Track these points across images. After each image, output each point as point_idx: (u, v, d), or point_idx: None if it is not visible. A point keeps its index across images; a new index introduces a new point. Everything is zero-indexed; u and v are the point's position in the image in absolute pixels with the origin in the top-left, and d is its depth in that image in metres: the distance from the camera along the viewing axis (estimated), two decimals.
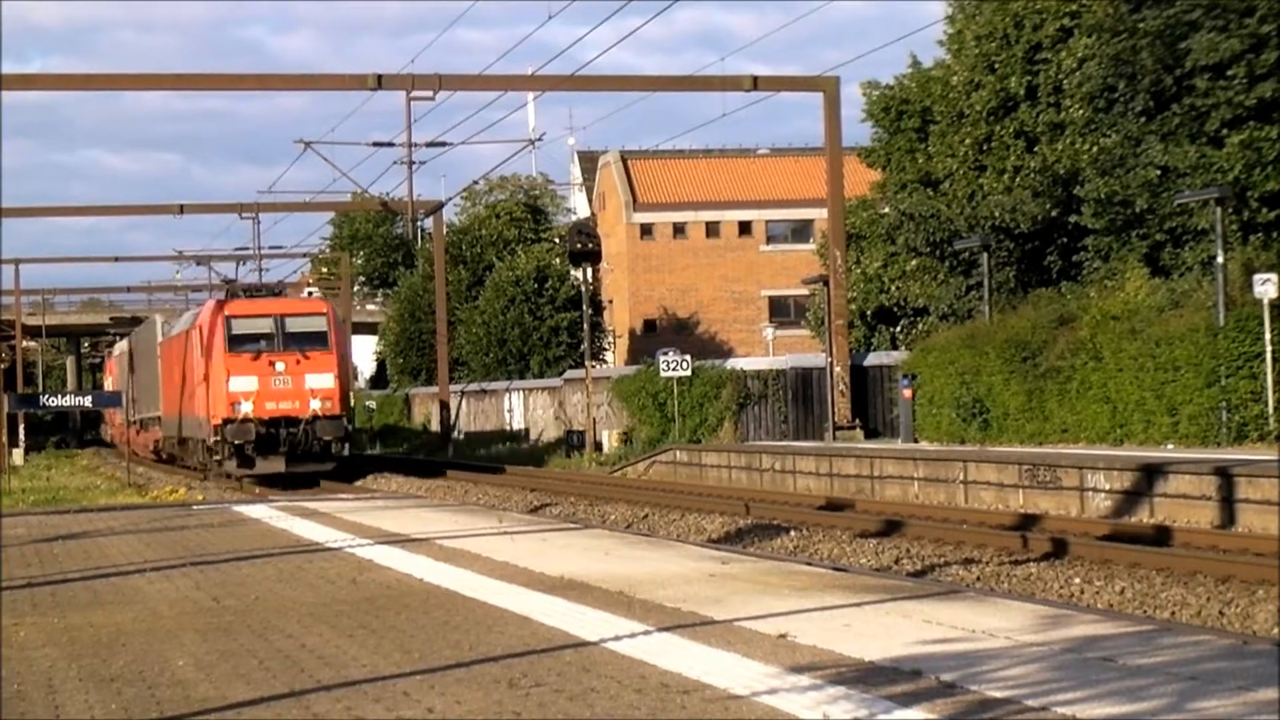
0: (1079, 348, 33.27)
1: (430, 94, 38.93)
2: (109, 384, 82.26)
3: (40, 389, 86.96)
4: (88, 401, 56.71)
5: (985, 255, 39.46)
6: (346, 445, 41.31)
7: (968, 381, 36.32)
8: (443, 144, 49.15)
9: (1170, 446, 29.45)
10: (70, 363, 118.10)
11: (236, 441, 39.14)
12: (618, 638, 9.38)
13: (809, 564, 15.24)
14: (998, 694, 7.28)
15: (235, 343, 39.77)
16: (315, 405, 39.33)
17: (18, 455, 57.64)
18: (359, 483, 41.76)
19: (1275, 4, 33.78)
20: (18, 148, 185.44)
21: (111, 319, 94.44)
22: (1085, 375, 32.93)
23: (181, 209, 58.06)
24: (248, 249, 60.54)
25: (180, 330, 47.74)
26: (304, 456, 39.63)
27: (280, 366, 39.57)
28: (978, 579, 18.92)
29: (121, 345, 71.83)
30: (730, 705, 7.39)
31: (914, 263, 45.12)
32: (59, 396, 53.53)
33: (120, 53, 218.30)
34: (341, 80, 41.38)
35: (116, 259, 76.29)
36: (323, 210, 73.65)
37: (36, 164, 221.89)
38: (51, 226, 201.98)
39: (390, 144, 44.76)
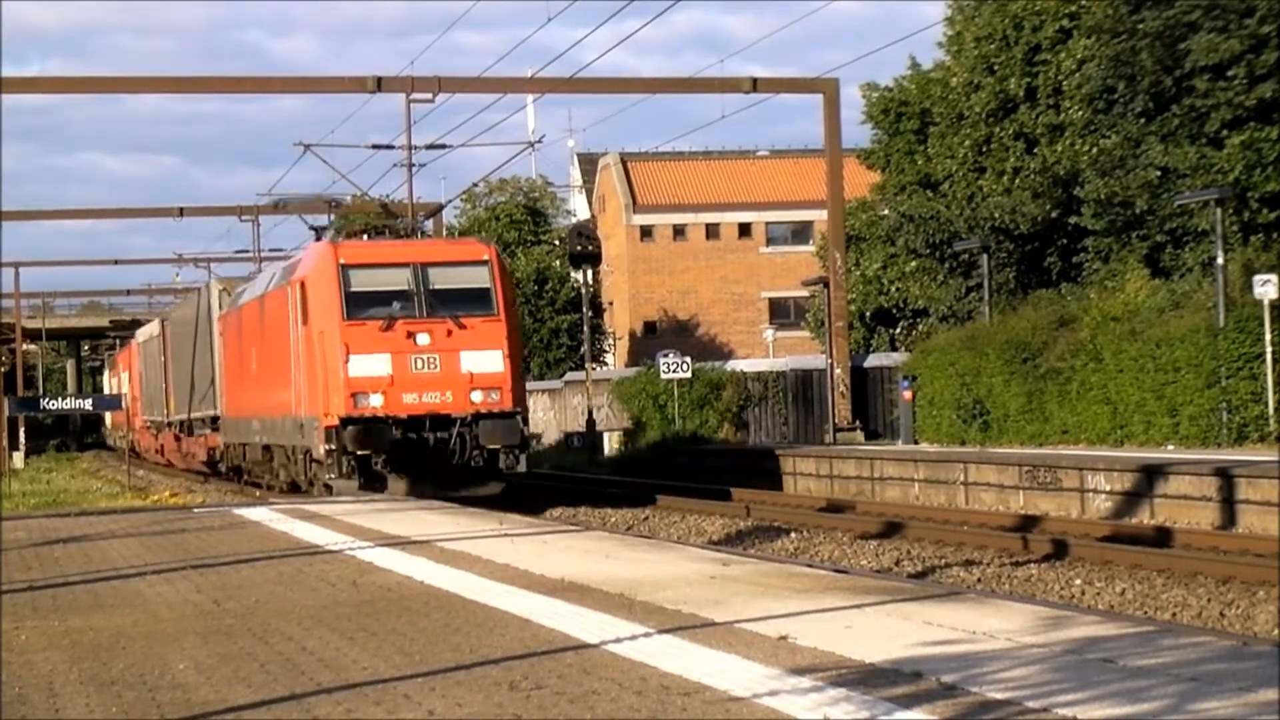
0: (1079, 349, 33.27)
1: (430, 96, 38.94)
2: (112, 385, 77.77)
3: (40, 392, 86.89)
4: (88, 404, 56.77)
5: (985, 257, 39.46)
6: (523, 457, 28.22)
7: (968, 383, 36.32)
8: (442, 146, 49.10)
9: (1171, 447, 29.44)
10: (70, 366, 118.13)
11: (361, 451, 27.27)
12: (618, 640, 9.38)
13: (810, 566, 15.25)
14: (999, 695, 7.27)
15: (356, 305, 27.97)
16: (477, 398, 27.66)
17: (18, 458, 57.62)
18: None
19: (1275, 5, 33.78)
20: (16, 151, 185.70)
21: (111, 322, 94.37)
22: (1085, 376, 32.93)
23: (181, 211, 58.08)
24: (247, 251, 60.50)
25: (260, 294, 34.37)
26: (460, 474, 27.68)
27: (424, 340, 27.72)
28: (978, 580, 18.92)
29: (147, 330, 61.19)
30: (731, 707, 7.39)
31: (914, 264, 45.13)
32: (59, 400, 53.52)
33: (118, 56, 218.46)
34: (341, 83, 41.42)
35: (116, 262, 76.02)
36: (323, 213, 73.45)
37: (35, 167, 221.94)
38: (51, 230, 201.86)
39: (390, 146, 44.68)
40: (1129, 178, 36.72)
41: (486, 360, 27.72)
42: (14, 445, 58.16)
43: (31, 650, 10.14)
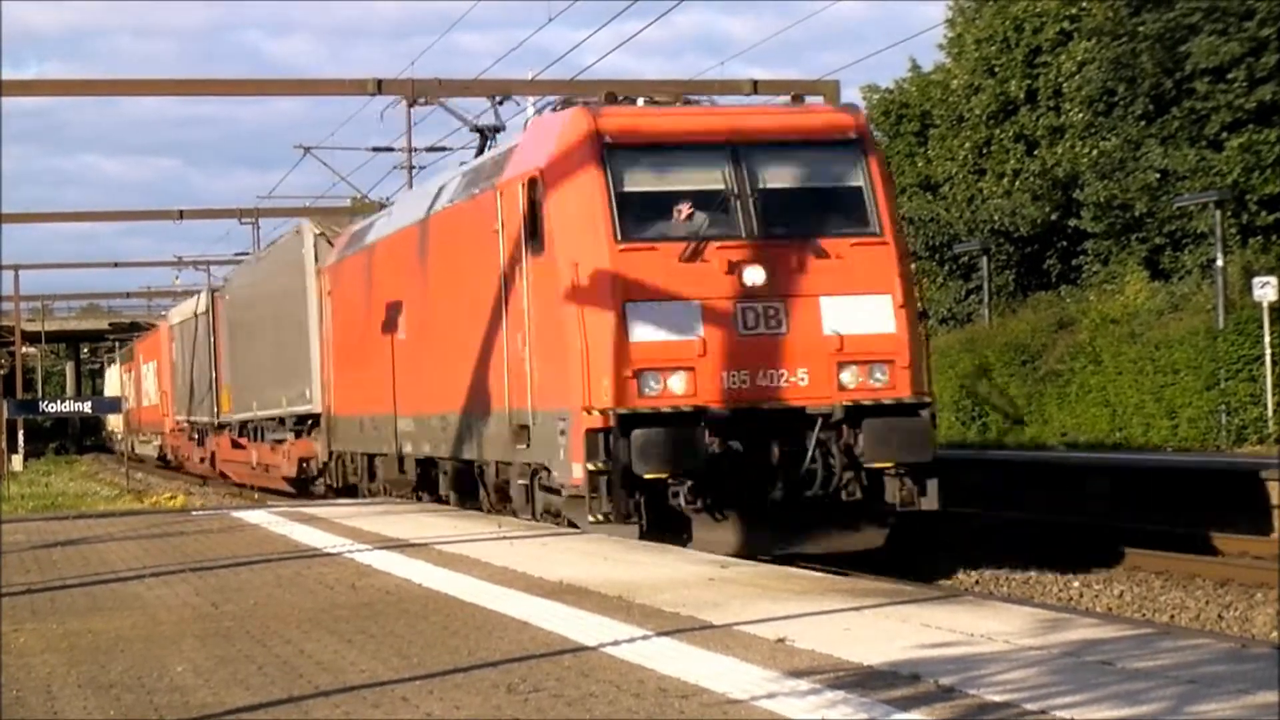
0: (1078, 351, 33.29)
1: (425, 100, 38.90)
2: (123, 382, 72.52)
3: (39, 395, 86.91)
4: (87, 407, 56.82)
5: (985, 259, 39.48)
6: (932, 485, 16.66)
7: (967, 385, 36.33)
8: (443, 149, 49.10)
9: (1169, 450, 29.44)
10: (69, 368, 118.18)
11: (652, 474, 15.99)
12: (616, 642, 9.38)
13: (807, 568, 15.23)
14: (997, 698, 7.27)
15: (636, 217, 16.90)
16: (851, 379, 16.66)
17: (17, 461, 57.63)
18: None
19: (1275, 7, 33.80)
20: (15, 153, 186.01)
21: (111, 324, 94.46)
22: (1085, 378, 32.94)
23: (181, 214, 57.94)
24: (247, 254, 60.49)
25: (415, 220, 22.78)
26: (817, 511, 16.60)
27: (756, 277, 16.62)
28: (976, 583, 18.91)
29: (186, 308, 50.62)
30: (729, 709, 7.39)
31: (913, 266, 45.11)
32: (58, 402, 53.56)
33: (117, 58, 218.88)
34: (341, 85, 41.32)
35: (116, 264, 75.94)
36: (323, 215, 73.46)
37: (34, 169, 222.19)
38: (50, 232, 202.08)
39: (389, 149, 44.64)
40: (1128, 180, 36.73)
41: (868, 313, 16.68)
42: (13, 448, 58.16)
43: (30, 653, 10.13)
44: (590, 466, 16.11)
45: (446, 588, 12.57)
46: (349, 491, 28.18)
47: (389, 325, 24.10)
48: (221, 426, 42.27)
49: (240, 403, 38.56)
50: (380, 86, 38.14)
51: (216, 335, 42.87)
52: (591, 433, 16.14)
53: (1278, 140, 34.30)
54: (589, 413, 16.20)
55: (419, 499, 23.88)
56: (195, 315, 47.16)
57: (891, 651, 8.55)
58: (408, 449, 23.72)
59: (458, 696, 8.02)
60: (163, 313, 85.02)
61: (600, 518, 16.12)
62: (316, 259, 30.33)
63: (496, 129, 25.07)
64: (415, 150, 42.51)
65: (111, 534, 19.87)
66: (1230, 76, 34.37)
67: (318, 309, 29.71)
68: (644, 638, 9.53)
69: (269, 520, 21.25)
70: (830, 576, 12.19)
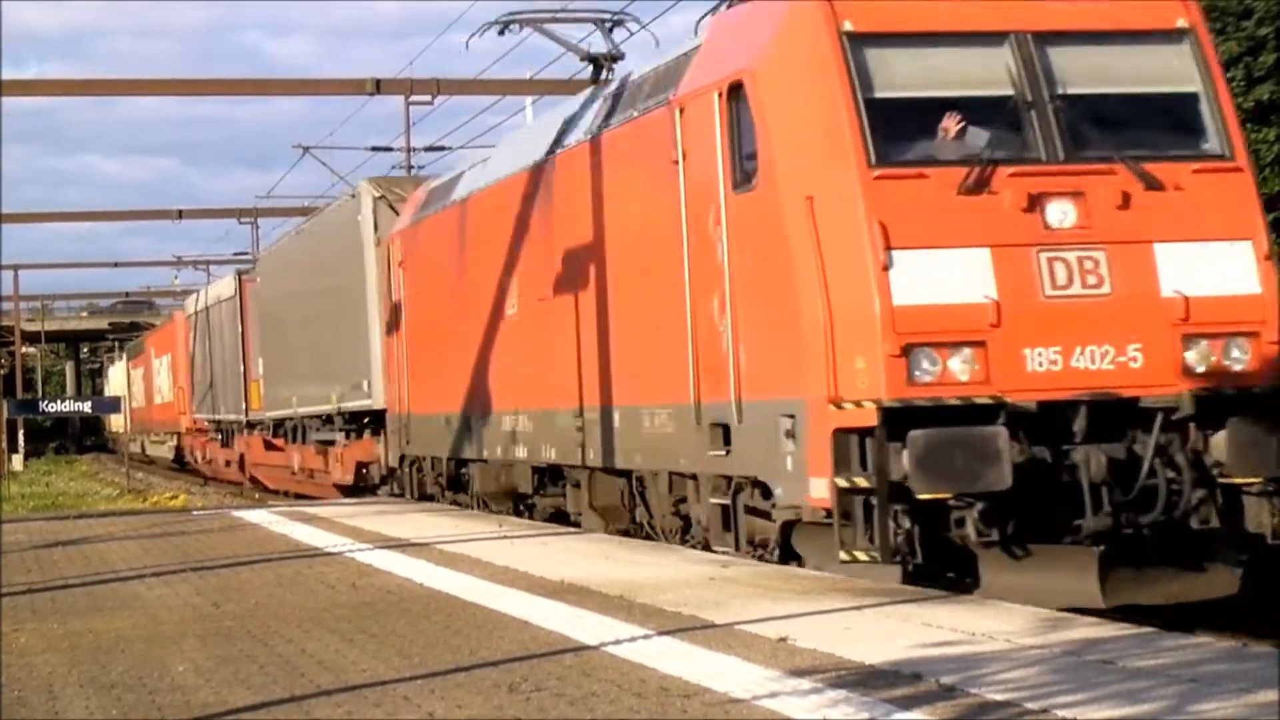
0: None
1: (429, 98, 38.95)
2: (131, 379, 69.57)
3: (40, 395, 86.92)
4: (87, 407, 56.67)
5: None
6: None
7: None
8: (442, 148, 49.11)
9: None
10: (69, 368, 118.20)
11: (934, 494, 11.21)
12: (618, 642, 9.38)
13: (809, 568, 15.23)
14: (998, 697, 7.28)
15: (894, 132, 12.22)
16: (1195, 357, 12.02)
17: (17, 461, 57.62)
18: None
19: (1273, 7, 33.82)
20: (15, 153, 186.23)
21: (110, 324, 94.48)
22: None
23: (181, 214, 57.99)
24: (246, 254, 60.50)
25: (529, 163, 18.40)
26: (1159, 542, 11.79)
27: (1063, 215, 12.02)
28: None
29: (209, 294, 45.16)
30: (731, 709, 7.39)
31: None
32: (58, 402, 53.46)
33: (116, 58, 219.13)
34: (340, 85, 41.30)
35: (116, 264, 75.93)
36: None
37: (33, 169, 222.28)
38: (49, 232, 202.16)
39: (389, 149, 44.63)
40: None
41: (1220, 266, 12.29)
42: (13, 448, 58.15)
43: (31, 653, 10.14)
44: (842, 482, 11.48)
45: (448, 587, 12.57)
46: (424, 501, 23.71)
47: (491, 299, 19.27)
48: (251, 425, 37.88)
49: (275, 399, 34.30)
50: (379, 86, 38.17)
51: (245, 323, 38.53)
52: (842, 434, 11.61)
53: (1277, 139, 34.30)
54: (837, 406, 11.69)
55: (526, 514, 19.87)
56: (219, 302, 42.52)
57: (893, 651, 8.56)
58: (519, 453, 18.79)
59: (459, 696, 8.03)
60: (165, 307, 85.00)
61: (859, 555, 11.45)
62: (376, 226, 26.16)
63: (614, 57, 19.84)
64: (414, 150, 42.52)
65: (112, 534, 19.88)
66: (1229, 75, 34.39)
67: (379, 285, 25.32)
68: (645, 637, 9.53)
69: (270, 520, 21.25)
70: (831, 576, 12.19)
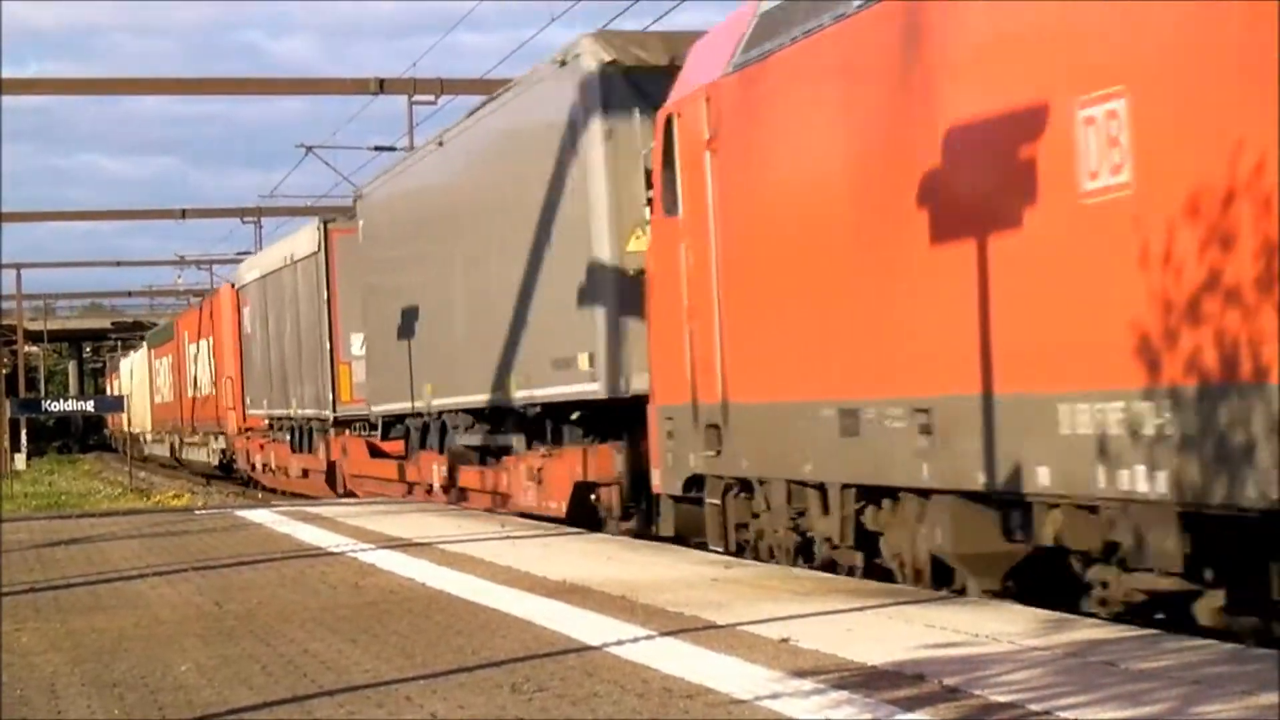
0: None
1: (432, 98, 38.97)
2: (154, 370, 62.31)
3: (42, 394, 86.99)
4: (90, 406, 56.66)
5: None
6: None
7: None
8: None
9: None
10: (72, 367, 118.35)
11: None
12: (620, 642, 9.38)
13: (812, 569, 15.24)
14: (1001, 698, 7.27)
15: None
16: None
17: (20, 460, 57.66)
18: None
19: None
20: (16, 151, 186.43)
21: (113, 324, 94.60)
22: None
23: (184, 213, 58.07)
24: (249, 254, 60.53)
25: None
26: None
27: None
28: None
29: (275, 255, 35.39)
30: (733, 710, 7.39)
31: None
32: (61, 401, 53.38)
33: (117, 56, 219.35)
34: (343, 85, 41.39)
35: (119, 263, 76.01)
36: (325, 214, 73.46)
37: (35, 168, 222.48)
38: (51, 231, 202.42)
39: (391, 148, 44.59)
40: None
41: None
42: (16, 447, 58.19)
43: (33, 652, 10.14)
44: None
45: (450, 587, 12.57)
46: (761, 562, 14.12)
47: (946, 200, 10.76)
48: (341, 424, 30.00)
49: (385, 388, 26.10)
50: (382, 86, 38.22)
51: (332, 289, 30.12)
52: None
53: None
54: None
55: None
56: (290, 264, 33.10)
57: (895, 652, 8.55)
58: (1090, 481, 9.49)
59: (462, 696, 8.03)
60: (167, 307, 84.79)
61: None
62: (606, 105, 17.27)
63: None
64: (416, 150, 42.52)
65: (115, 533, 19.89)
66: None
67: (613, 198, 17.15)
68: (648, 637, 9.53)
69: (272, 520, 21.26)
70: (834, 577, 12.19)
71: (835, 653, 8.66)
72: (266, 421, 37.73)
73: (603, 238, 17.35)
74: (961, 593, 11.18)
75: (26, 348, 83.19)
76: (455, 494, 23.33)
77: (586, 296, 17.63)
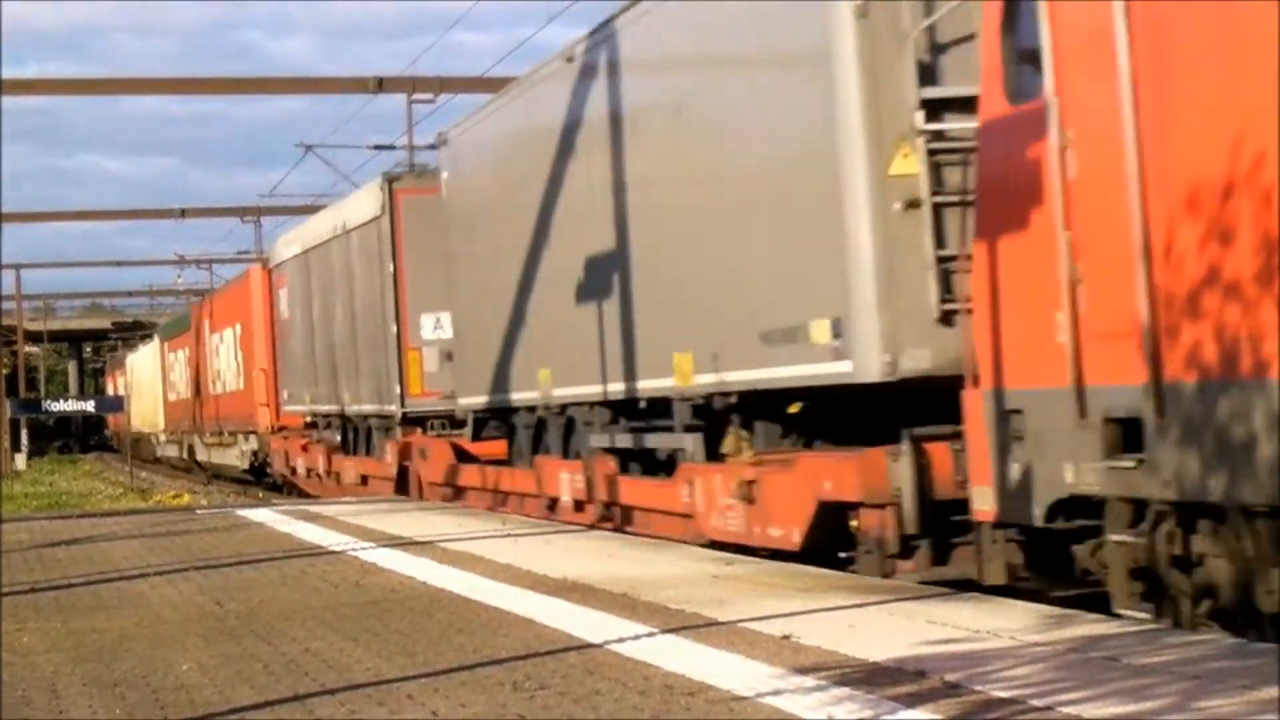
0: None
1: (431, 97, 38.97)
2: (168, 365, 57.41)
3: (43, 394, 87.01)
4: (90, 406, 56.68)
5: None
6: None
7: None
8: None
9: None
10: (72, 367, 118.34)
11: None
12: (621, 639, 9.38)
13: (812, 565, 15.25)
14: (1002, 694, 7.27)
15: None
16: None
17: (20, 460, 57.67)
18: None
19: None
20: (16, 152, 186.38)
21: (113, 324, 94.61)
22: None
23: (183, 213, 58.10)
24: (249, 253, 60.51)
25: None
26: None
27: None
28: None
29: (320, 226, 30.54)
30: (735, 706, 7.39)
31: None
32: (61, 401, 53.32)
33: (117, 56, 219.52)
34: (342, 83, 41.41)
35: (119, 263, 76.08)
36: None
37: (34, 168, 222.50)
38: (50, 231, 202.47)
39: (391, 147, 44.62)
40: None
41: None
42: (16, 447, 58.20)
43: (34, 652, 10.14)
44: None
45: (451, 585, 12.57)
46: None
47: None
48: (410, 421, 25.66)
49: (478, 379, 21.56)
50: (381, 84, 38.24)
51: (399, 261, 25.41)
52: None
53: None
54: None
55: None
56: (344, 233, 28.12)
57: (897, 648, 8.55)
58: None
59: (463, 694, 8.02)
60: (168, 306, 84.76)
61: None
62: None
63: None
64: (416, 148, 42.50)
65: (115, 533, 19.88)
66: None
67: (863, 105, 12.48)
68: (649, 635, 9.53)
69: (273, 519, 21.25)
70: (835, 574, 12.19)
71: (837, 649, 8.66)
72: (308, 418, 32.71)
73: (855, 158, 12.54)
74: (966, 588, 11.18)
75: (26, 348, 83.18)
76: (600, 511, 18.02)
77: (826, 243, 12.81)
